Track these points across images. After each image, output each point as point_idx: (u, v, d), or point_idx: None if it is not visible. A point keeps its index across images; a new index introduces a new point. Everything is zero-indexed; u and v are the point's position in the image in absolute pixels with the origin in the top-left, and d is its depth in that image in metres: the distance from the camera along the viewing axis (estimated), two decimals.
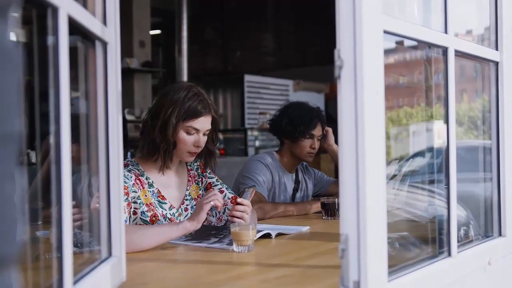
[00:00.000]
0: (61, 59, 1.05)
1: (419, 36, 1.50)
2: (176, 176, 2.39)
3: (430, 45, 1.63)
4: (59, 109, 1.05)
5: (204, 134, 2.29)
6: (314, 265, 1.79)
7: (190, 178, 2.44)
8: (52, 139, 1.05)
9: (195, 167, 2.48)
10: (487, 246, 1.81)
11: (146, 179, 2.28)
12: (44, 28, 1.06)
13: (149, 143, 2.26)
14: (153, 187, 2.29)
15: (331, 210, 2.72)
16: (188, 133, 2.25)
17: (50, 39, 1.06)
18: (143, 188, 2.25)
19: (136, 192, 2.20)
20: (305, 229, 2.43)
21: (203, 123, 2.26)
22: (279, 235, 2.25)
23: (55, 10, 1.04)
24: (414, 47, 1.77)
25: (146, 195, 2.25)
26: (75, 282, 1.13)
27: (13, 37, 0.65)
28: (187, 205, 2.38)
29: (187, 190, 2.41)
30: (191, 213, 2.35)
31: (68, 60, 1.07)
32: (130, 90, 7.57)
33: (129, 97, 7.45)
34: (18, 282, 0.67)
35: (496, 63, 1.89)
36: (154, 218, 2.23)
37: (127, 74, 7.22)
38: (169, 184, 2.35)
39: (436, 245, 1.64)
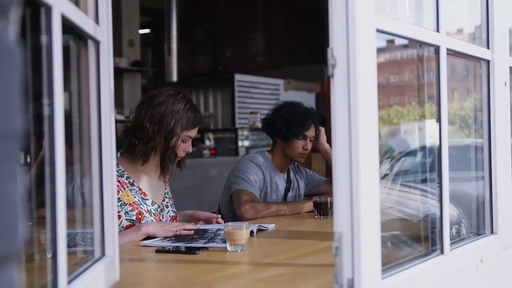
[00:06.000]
0: (54, 58, 1.05)
1: (412, 35, 1.51)
2: (155, 176, 2.47)
3: (423, 44, 1.64)
4: (53, 109, 1.04)
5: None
6: (308, 263, 1.79)
7: (166, 179, 2.56)
8: (45, 140, 1.04)
9: None
10: (480, 244, 1.82)
11: (127, 179, 2.36)
12: (37, 27, 1.05)
13: (150, 150, 2.34)
14: (134, 185, 2.36)
15: (323, 209, 2.72)
16: (183, 141, 2.38)
17: (43, 38, 1.05)
18: (124, 188, 2.32)
19: (117, 194, 2.24)
20: (271, 226, 2.46)
21: (196, 131, 2.44)
22: (259, 230, 2.31)
23: (48, 9, 1.03)
24: (405, 46, 1.77)
25: (128, 195, 2.32)
26: (69, 282, 1.13)
27: (13, 36, 0.65)
28: (167, 202, 2.51)
29: (166, 188, 2.54)
30: (172, 210, 2.51)
31: (62, 59, 1.07)
32: (119, 89, 7.54)
33: (118, 97, 7.42)
34: (20, 280, 0.67)
35: (488, 62, 1.90)
36: (140, 216, 2.31)
37: (116, 73, 7.11)
38: (150, 183, 2.44)
39: (429, 243, 1.65)
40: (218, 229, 2.29)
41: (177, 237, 2.15)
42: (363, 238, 1.21)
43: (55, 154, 1.04)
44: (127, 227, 2.25)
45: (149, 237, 2.16)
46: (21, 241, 0.64)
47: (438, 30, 1.58)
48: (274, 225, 2.48)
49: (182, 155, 2.42)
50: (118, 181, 2.30)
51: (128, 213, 2.28)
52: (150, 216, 2.34)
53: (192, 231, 2.22)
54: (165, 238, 2.15)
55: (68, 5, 1.13)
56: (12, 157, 0.63)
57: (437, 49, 1.59)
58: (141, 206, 2.33)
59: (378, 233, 1.27)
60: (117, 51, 7.46)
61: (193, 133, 2.40)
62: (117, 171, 2.33)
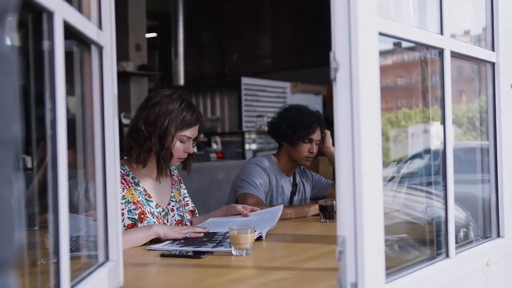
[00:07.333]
0: (56, 64, 1.05)
1: (415, 38, 1.50)
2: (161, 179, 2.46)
3: (426, 47, 1.63)
4: (55, 114, 1.04)
5: (192, 141, 2.43)
6: (313, 267, 1.79)
7: (173, 182, 2.56)
8: (48, 144, 1.04)
9: (175, 173, 2.61)
10: (486, 247, 1.81)
11: (132, 178, 2.38)
12: (39, 32, 1.05)
13: (146, 151, 2.34)
14: (140, 186, 2.38)
15: (329, 213, 2.72)
16: (181, 141, 2.38)
17: (45, 44, 1.05)
18: (129, 187, 2.34)
19: (121, 192, 2.24)
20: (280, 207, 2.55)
21: (195, 131, 2.41)
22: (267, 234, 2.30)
23: (50, 14, 1.04)
24: (412, 48, 1.77)
25: (132, 194, 2.33)
26: (72, 287, 1.13)
27: (10, 42, 0.66)
28: (173, 206, 2.50)
29: (172, 192, 2.52)
30: (177, 214, 2.49)
31: (64, 64, 1.07)
32: (126, 93, 7.55)
33: (125, 101, 7.43)
34: (16, 286, 0.67)
35: (493, 64, 1.89)
36: (142, 216, 2.31)
37: (123, 77, 7.20)
38: (155, 186, 2.44)
39: (434, 247, 1.64)
40: (226, 232, 2.28)
41: (186, 241, 2.15)
42: (366, 242, 1.20)
43: (58, 158, 1.04)
44: (128, 226, 2.25)
45: (156, 240, 2.16)
46: (17, 247, 0.64)
47: (441, 33, 1.58)
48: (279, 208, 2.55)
49: (183, 156, 2.41)
50: (124, 179, 2.32)
51: (131, 211, 2.29)
52: (153, 218, 2.34)
53: (202, 234, 2.22)
54: (174, 241, 2.14)
55: (70, 11, 1.13)
56: (8, 164, 0.63)
57: (441, 51, 1.58)
58: (144, 206, 2.34)
59: (381, 237, 1.27)
60: (124, 55, 7.48)
61: (190, 133, 2.38)
62: (123, 171, 2.35)
